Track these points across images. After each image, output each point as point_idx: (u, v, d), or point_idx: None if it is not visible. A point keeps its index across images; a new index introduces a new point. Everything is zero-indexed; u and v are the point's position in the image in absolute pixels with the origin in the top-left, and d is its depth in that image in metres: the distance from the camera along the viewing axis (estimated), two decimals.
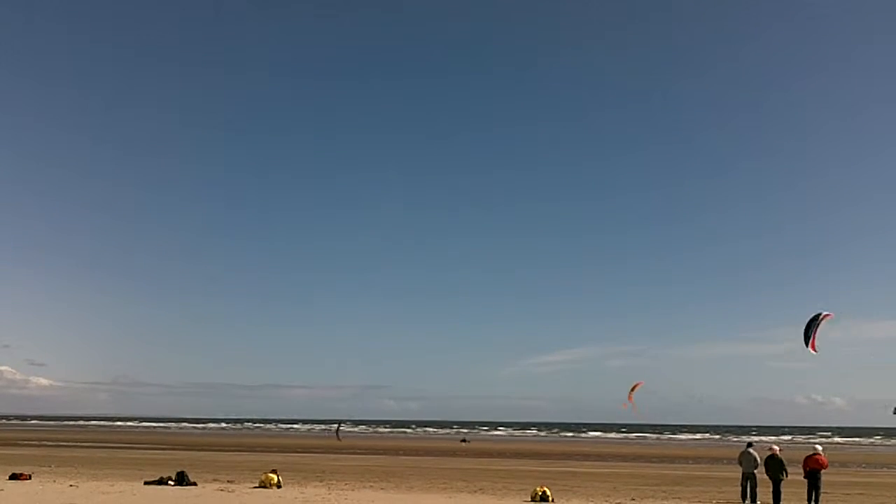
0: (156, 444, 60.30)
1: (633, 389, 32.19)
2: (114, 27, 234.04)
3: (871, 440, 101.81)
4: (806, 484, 19.94)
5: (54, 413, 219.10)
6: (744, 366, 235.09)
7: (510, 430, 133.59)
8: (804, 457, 20.22)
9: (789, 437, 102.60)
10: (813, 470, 19.78)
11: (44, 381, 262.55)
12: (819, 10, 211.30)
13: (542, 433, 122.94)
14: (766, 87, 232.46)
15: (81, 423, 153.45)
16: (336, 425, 42.76)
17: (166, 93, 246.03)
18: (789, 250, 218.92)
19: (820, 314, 24.28)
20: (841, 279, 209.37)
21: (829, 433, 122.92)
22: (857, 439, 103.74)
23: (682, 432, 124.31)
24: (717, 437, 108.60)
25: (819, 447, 20.65)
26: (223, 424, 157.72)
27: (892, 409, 44.32)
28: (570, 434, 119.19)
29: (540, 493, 19.80)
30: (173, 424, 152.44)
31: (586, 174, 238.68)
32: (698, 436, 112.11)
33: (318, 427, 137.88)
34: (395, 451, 53.31)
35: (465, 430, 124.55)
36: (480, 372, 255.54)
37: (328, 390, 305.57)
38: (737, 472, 22.19)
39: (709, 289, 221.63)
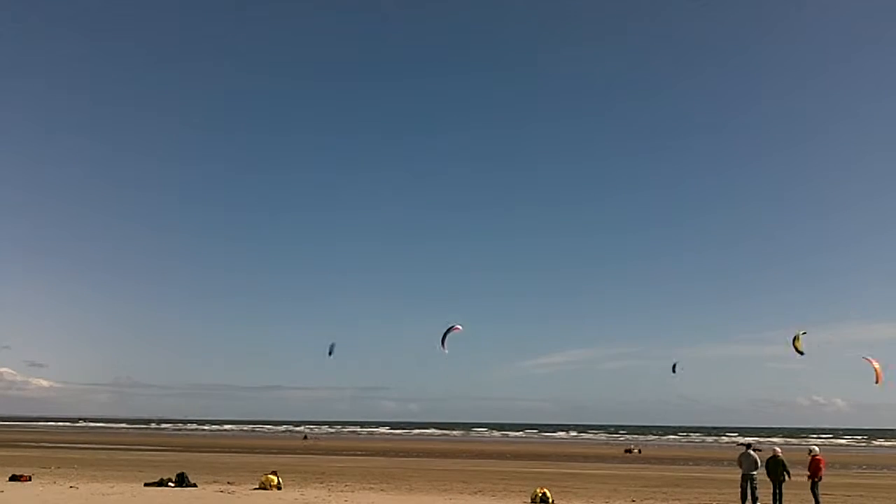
0: (156, 446, 60.29)
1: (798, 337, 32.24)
2: (113, 28, 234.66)
3: (872, 441, 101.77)
4: (810, 485, 19.89)
5: (54, 414, 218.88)
6: (743, 367, 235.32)
7: (509, 432, 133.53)
8: (810, 460, 20.01)
9: (786, 439, 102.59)
10: (816, 472, 19.76)
11: (44, 383, 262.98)
12: (820, 10, 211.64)
13: (540, 434, 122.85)
14: (765, 88, 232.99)
15: (81, 424, 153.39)
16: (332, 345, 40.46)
17: (166, 93, 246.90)
18: (788, 252, 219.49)
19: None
20: (840, 281, 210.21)
21: (830, 434, 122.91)
22: (857, 440, 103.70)
23: (681, 433, 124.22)
24: (717, 438, 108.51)
25: (816, 448, 20.63)
26: (223, 426, 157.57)
27: (673, 365, 43.58)
28: (569, 435, 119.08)
29: (540, 495, 19.77)
30: (173, 426, 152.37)
31: (585, 175, 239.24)
32: (698, 437, 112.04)
33: (319, 428, 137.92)
34: (395, 453, 53.29)
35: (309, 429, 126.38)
36: (480, 374, 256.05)
37: (328, 392, 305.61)
38: (737, 474, 22.15)
39: (707, 291, 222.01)
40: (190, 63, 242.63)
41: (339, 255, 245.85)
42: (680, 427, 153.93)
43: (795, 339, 30.89)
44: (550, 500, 19.67)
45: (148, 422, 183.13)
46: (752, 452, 20.48)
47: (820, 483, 19.88)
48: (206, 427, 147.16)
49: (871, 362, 30.09)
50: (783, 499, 19.81)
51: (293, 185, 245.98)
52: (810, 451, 20.38)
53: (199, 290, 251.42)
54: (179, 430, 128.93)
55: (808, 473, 19.88)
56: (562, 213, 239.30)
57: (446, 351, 33.60)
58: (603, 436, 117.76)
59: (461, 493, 22.79)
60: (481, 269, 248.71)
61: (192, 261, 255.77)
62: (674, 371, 43.46)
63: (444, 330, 33.59)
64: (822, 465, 19.83)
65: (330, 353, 40.61)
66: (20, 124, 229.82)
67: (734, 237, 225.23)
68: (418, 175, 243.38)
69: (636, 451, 63.72)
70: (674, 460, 49.37)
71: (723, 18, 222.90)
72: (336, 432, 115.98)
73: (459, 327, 33.97)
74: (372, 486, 24.52)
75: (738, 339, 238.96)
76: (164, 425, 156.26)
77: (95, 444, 62.56)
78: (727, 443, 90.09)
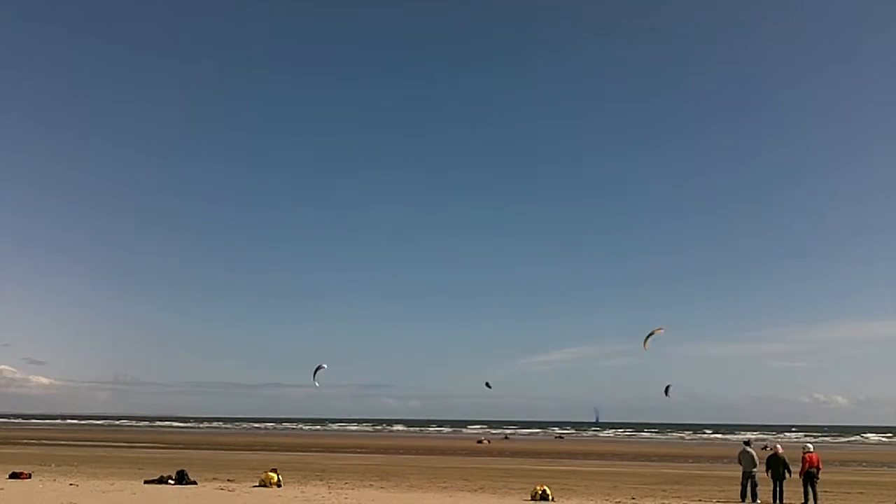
0: (156, 443, 60.30)
1: (650, 335, 33.15)
2: (113, 26, 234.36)
3: (870, 438, 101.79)
4: (802, 483, 19.87)
5: (54, 412, 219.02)
6: (744, 365, 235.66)
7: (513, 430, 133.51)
8: (801, 456, 20.03)
9: (791, 435, 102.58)
10: (809, 469, 19.72)
11: (44, 380, 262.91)
12: (821, 9, 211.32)
13: (540, 431, 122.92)
14: (767, 86, 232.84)
15: (81, 421, 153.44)
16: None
17: (166, 92, 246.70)
18: (790, 250, 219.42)
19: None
20: (841, 279, 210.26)
21: (829, 431, 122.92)
22: (857, 438, 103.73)
23: (682, 431, 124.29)
24: (718, 435, 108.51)
25: (810, 446, 20.64)
26: (223, 423, 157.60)
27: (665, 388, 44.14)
28: (570, 432, 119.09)
29: (540, 492, 19.76)
30: (173, 423, 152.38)
31: (585, 173, 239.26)
32: (698, 434, 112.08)
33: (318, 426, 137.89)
34: (396, 450, 53.30)
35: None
36: (480, 371, 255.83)
37: (328, 389, 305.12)
38: (737, 471, 22.18)
39: (709, 288, 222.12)
40: (190, 60, 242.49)
41: (339, 252, 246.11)
42: (682, 424, 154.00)
43: (648, 336, 32.19)
44: (551, 497, 19.67)
45: (148, 419, 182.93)
46: (750, 450, 20.51)
47: (816, 480, 19.87)
48: (206, 424, 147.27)
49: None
50: (784, 496, 19.83)
51: (293, 183, 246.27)
52: (804, 448, 20.42)
53: (199, 288, 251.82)
54: (179, 427, 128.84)
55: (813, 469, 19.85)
56: (561, 211, 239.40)
57: (318, 385, 40.40)
58: (604, 433, 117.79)
59: (461, 490, 22.77)
60: (481, 267, 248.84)
61: (192, 258, 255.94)
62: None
63: (315, 368, 40.08)
64: (813, 462, 19.71)
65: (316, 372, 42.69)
66: (19, 121, 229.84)
67: (734, 235, 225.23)
68: (418, 173, 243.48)
69: (486, 441, 71.92)
70: (673, 457, 49.28)
71: (724, 15, 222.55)
72: (511, 434, 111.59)
73: (325, 366, 40.73)
74: (372, 483, 24.51)
75: (738, 336, 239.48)
76: (163, 423, 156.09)
77: (95, 441, 62.58)
78: (727, 439, 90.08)
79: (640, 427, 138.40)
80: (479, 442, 71.93)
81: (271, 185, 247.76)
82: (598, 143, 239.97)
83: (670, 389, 42.33)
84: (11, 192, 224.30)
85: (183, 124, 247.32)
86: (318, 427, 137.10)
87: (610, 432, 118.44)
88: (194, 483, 22.41)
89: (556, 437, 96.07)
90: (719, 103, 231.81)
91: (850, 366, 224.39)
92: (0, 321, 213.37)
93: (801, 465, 19.77)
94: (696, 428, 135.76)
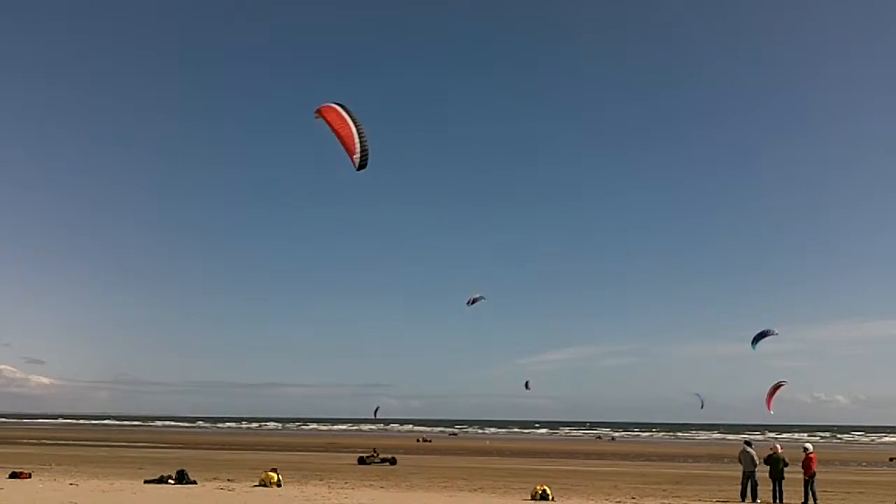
0: (156, 443, 60.30)
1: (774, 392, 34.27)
2: (113, 26, 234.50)
3: (871, 437, 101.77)
4: (803, 483, 19.85)
5: (54, 412, 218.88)
6: (743, 364, 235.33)
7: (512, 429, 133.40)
8: (803, 458, 19.99)
9: (790, 435, 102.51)
10: (808, 469, 19.72)
11: (44, 380, 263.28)
12: (818, 9, 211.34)
13: (542, 430, 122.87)
14: (765, 87, 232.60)
15: (81, 421, 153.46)
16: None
17: (166, 92, 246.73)
18: (789, 250, 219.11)
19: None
20: (841, 278, 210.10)
21: (830, 431, 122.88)
22: (858, 437, 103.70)
23: (682, 430, 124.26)
24: (718, 435, 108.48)
25: (810, 446, 20.63)
26: (223, 423, 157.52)
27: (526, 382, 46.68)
28: (570, 431, 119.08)
29: (540, 492, 19.76)
30: (173, 423, 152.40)
31: (585, 173, 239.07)
32: (698, 434, 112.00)
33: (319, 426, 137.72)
34: (395, 450, 53.26)
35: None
36: (480, 370, 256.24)
37: (328, 389, 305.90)
38: (737, 471, 22.18)
39: (708, 288, 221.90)
40: (190, 60, 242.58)
41: (338, 251, 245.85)
42: (684, 424, 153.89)
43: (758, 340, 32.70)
44: (551, 497, 19.67)
45: (148, 419, 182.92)
46: (751, 450, 20.51)
47: (817, 480, 19.84)
48: (206, 424, 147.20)
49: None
50: (783, 496, 19.83)
51: (293, 183, 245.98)
52: (804, 448, 20.41)
53: (199, 287, 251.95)
54: (179, 427, 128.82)
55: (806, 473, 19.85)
56: (562, 211, 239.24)
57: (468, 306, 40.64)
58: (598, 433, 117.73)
59: (461, 490, 22.77)
60: (481, 267, 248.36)
61: (191, 258, 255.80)
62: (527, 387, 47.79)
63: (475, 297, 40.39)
64: (813, 462, 19.75)
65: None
66: (19, 121, 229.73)
67: (734, 235, 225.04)
68: (418, 172, 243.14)
69: (423, 440, 72.46)
70: (674, 457, 49.24)
71: (721, 16, 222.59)
72: (456, 434, 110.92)
73: (484, 298, 40.74)
74: (372, 483, 24.51)
75: (738, 336, 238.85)
76: (163, 422, 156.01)
77: (95, 441, 62.57)
78: (727, 439, 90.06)
79: (639, 427, 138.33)
80: (419, 441, 72.71)
81: (271, 184, 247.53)
82: (597, 142, 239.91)
83: (530, 384, 45.53)
84: (11, 192, 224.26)
85: (182, 123, 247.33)
86: (318, 427, 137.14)
87: (609, 432, 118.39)
88: (194, 483, 22.41)
89: (597, 438, 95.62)
90: (716, 103, 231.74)
91: (852, 365, 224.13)
92: (0, 321, 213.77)
93: (807, 466, 19.66)
94: (696, 428, 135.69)
